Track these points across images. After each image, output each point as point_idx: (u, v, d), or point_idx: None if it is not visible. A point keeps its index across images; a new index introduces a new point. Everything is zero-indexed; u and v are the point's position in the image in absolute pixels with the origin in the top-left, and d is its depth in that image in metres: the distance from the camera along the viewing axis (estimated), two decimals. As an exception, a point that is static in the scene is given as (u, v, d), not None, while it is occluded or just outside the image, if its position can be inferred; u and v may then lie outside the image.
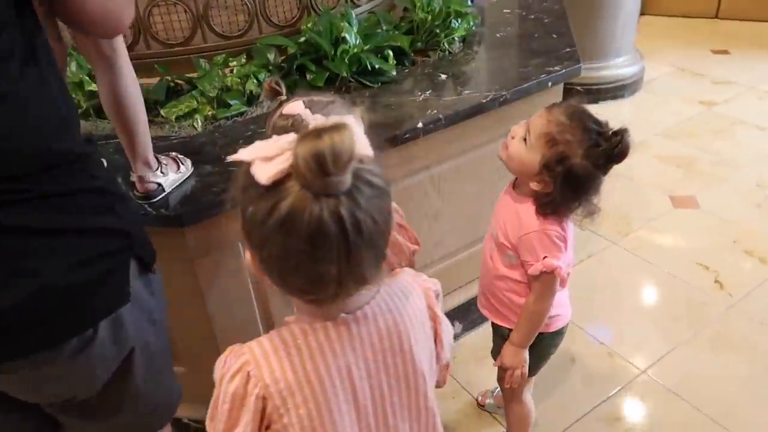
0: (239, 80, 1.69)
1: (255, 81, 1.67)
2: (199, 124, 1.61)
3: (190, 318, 1.47)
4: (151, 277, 1.03)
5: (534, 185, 1.21)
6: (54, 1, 0.87)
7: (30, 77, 0.84)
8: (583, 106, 1.21)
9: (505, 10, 2.37)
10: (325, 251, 0.61)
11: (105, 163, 1.10)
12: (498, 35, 2.13)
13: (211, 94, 1.64)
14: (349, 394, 0.75)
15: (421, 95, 1.69)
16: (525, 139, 1.21)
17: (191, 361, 1.55)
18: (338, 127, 0.58)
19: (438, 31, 1.96)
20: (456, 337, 2.06)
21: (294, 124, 1.01)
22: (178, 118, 1.63)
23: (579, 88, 3.55)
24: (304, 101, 1.05)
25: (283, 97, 1.04)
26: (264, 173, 0.59)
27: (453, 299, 1.96)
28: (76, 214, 0.88)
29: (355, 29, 1.83)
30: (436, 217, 1.79)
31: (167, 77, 1.74)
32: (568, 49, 1.93)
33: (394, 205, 1.19)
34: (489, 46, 2.05)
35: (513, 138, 1.24)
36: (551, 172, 1.17)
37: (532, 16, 2.28)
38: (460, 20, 1.98)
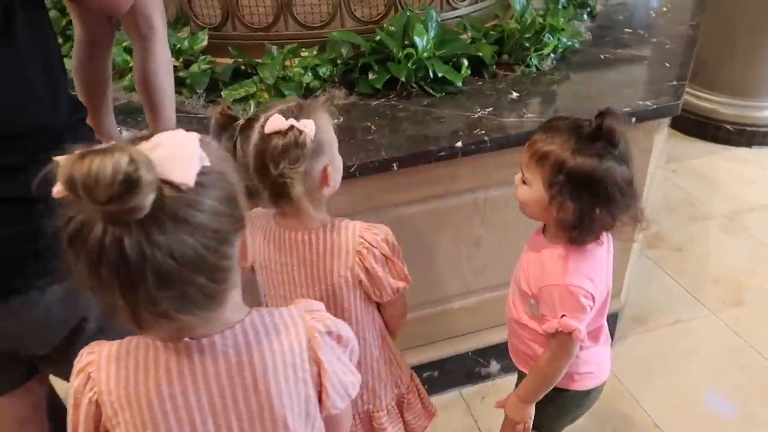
0: (301, 71, 1.68)
1: (310, 74, 1.65)
2: (251, 109, 1.63)
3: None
4: None
5: (554, 214, 1.07)
6: None
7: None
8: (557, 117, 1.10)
9: (626, 30, 2.11)
10: (106, 279, 0.55)
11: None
12: (603, 56, 1.90)
13: (268, 82, 1.65)
14: (185, 425, 0.69)
15: (478, 112, 1.56)
16: (525, 181, 1.07)
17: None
18: (107, 151, 0.51)
19: (528, 44, 1.79)
20: (491, 377, 1.90)
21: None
22: (234, 101, 1.66)
23: (730, 127, 3.10)
24: (283, 111, 1.01)
25: (240, 122, 1.00)
26: (56, 187, 0.55)
27: (491, 336, 1.81)
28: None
29: (432, 33, 1.73)
30: (477, 244, 1.65)
31: (239, 60, 1.78)
32: (674, 83, 1.66)
33: (382, 236, 1.13)
34: (585, 67, 1.83)
35: (516, 187, 1.11)
36: (557, 187, 1.03)
37: (654, 40, 2.01)
38: (554, 35, 1.79)
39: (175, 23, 1.91)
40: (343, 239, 1.10)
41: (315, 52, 1.77)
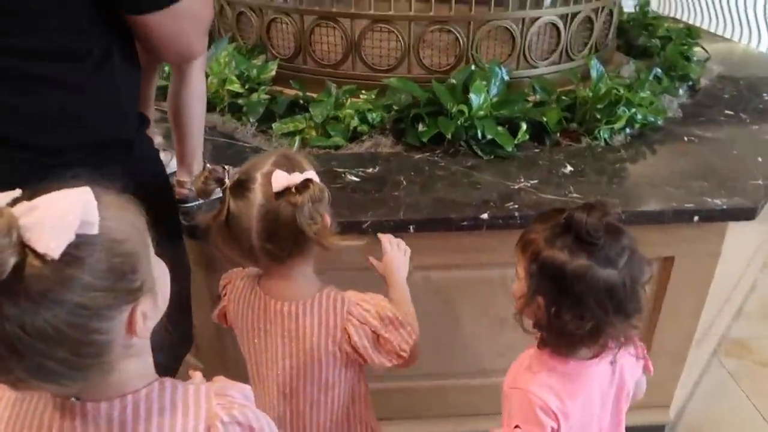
0: (352, 113, 1.66)
1: (357, 119, 1.62)
2: (296, 145, 1.63)
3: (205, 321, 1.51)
4: None
5: (532, 312, 0.96)
6: (130, 23, 0.98)
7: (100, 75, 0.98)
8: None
9: (726, 111, 1.89)
10: None
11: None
12: (687, 138, 1.70)
13: (317, 120, 1.64)
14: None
15: (521, 183, 1.44)
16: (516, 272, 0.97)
17: (209, 360, 1.61)
18: None
19: (599, 115, 1.65)
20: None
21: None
22: (282, 135, 1.67)
23: None
24: (278, 165, 0.98)
25: (227, 183, 0.97)
26: None
27: (490, 423, 1.66)
28: None
29: (494, 90, 1.65)
30: (501, 324, 1.52)
31: (299, 93, 1.79)
32: (759, 182, 1.44)
33: (373, 311, 1.05)
34: (661, 148, 1.65)
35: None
36: (532, 278, 0.92)
37: (756, 127, 1.78)
38: (629, 108, 1.63)
39: (252, 50, 1.97)
40: (331, 314, 1.04)
41: (373, 96, 1.75)
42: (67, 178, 0.59)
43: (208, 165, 1.39)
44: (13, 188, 0.58)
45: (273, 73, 1.87)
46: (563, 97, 1.73)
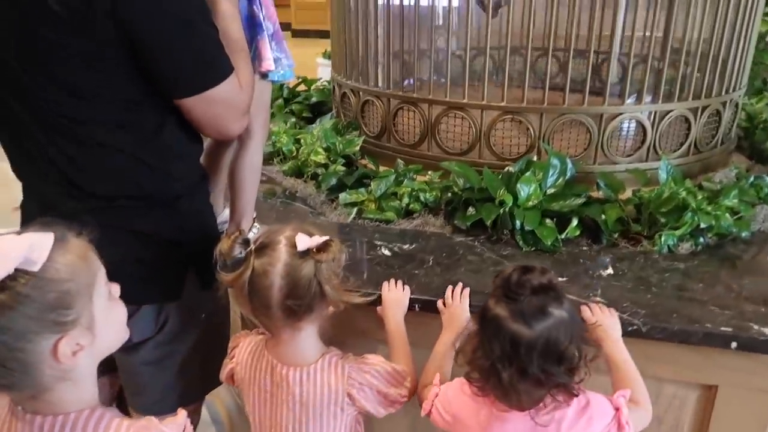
0: (408, 191, 1.74)
1: (408, 198, 1.69)
2: (352, 215, 1.75)
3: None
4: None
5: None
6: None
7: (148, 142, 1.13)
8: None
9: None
10: None
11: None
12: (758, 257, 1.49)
13: (375, 194, 1.75)
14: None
15: (546, 278, 1.39)
16: None
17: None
18: None
19: (664, 220, 1.53)
20: None
21: None
22: (345, 204, 1.80)
23: None
24: (300, 230, 1.09)
25: (252, 247, 1.07)
26: None
27: None
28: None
29: (550, 181, 1.62)
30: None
31: (372, 167, 1.92)
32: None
33: (373, 371, 1.12)
34: (731, 264, 1.47)
35: None
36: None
37: None
38: (697, 216, 1.49)
39: (347, 126, 2.16)
40: (333, 379, 1.12)
41: (437, 177, 1.81)
42: (74, 224, 0.78)
43: (255, 224, 1.56)
44: (77, 222, 0.79)
45: (357, 148, 2.03)
46: (634, 196, 1.63)
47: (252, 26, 1.27)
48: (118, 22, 0.99)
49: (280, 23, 1.38)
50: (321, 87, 2.71)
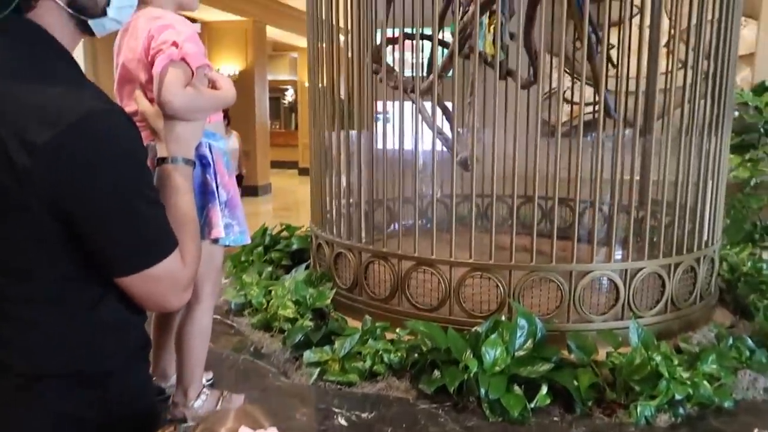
0: (372, 351, 1.66)
1: (372, 359, 1.62)
2: (313, 377, 1.66)
3: None
4: None
5: None
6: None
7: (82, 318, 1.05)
8: None
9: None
10: None
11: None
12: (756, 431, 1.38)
13: (339, 354, 1.67)
14: None
15: (511, 457, 1.28)
16: None
17: None
18: None
19: (638, 388, 1.44)
20: None
21: None
22: (309, 364, 1.72)
23: None
24: (240, 419, 1.02)
25: None
26: None
27: None
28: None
29: (517, 344, 1.55)
30: None
31: (337, 321, 1.86)
32: None
33: None
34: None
35: None
36: None
37: None
38: (672, 385, 1.40)
39: (321, 278, 2.13)
40: None
41: (404, 335, 1.75)
42: None
43: (205, 390, 1.48)
44: None
45: (328, 301, 1.99)
46: (609, 360, 1.55)
47: (204, 194, 1.28)
48: (51, 202, 0.97)
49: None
50: (303, 234, 2.72)
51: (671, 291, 1.81)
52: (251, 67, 9.39)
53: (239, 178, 6.43)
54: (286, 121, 14.29)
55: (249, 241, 1.43)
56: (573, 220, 1.79)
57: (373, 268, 1.96)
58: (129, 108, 1.27)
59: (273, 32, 10.15)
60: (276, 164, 10.23)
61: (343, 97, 2.13)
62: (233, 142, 6.27)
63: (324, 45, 2.08)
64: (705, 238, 1.95)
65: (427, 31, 1.92)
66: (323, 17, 2.06)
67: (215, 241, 1.34)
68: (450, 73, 1.90)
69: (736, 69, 2.16)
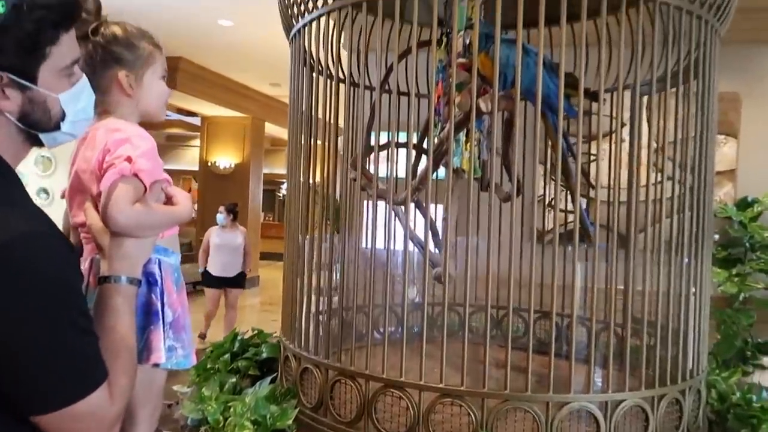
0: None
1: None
2: None
3: None
4: None
5: None
6: None
7: None
8: None
9: None
10: None
11: None
12: None
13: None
14: None
15: None
16: None
17: None
18: None
19: None
20: None
21: None
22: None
23: None
24: None
25: None
26: None
27: None
28: None
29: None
30: None
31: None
32: None
33: None
34: None
35: None
36: None
37: None
38: None
39: (285, 394, 1.99)
40: None
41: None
42: None
43: None
44: None
45: (290, 421, 1.85)
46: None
47: (147, 314, 1.20)
48: None
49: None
50: (275, 341, 2.60)
51: (655, 426, 1.68)
52: (247, 160, 9.56)
53: (242, 276, 6.30)
54: (279, 214, 14.44)
55: (194, 363, 1.33)
56: (551, 338, 1.69)
57: (339, 387, 1.83)
58: (78, 219, 1.21)
59: (272, 128, 10.42)
60: (266, 255, 10.19)
61: (322, 196, 2.09)
62: (239, 238, 6.21)
63: (303, 140, 2.05)
64: (690, 366, 1.84)
65: (408, 136, 1.91)
66: (303, 110, 2.05)
67: (156, 365, 1.24)
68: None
69: (713, 183, 2.15)
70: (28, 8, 0.87)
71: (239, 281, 6.34)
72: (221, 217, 6.19)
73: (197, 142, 10.33)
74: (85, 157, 1.22)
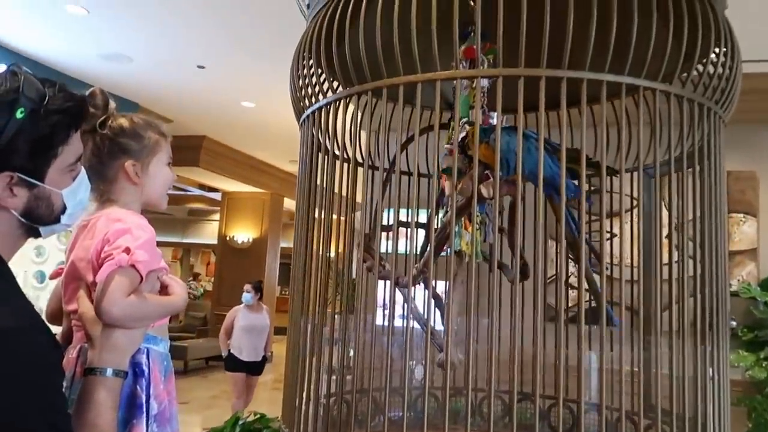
0: None
1: None
2: None
3: None
4: None
5: None
6: None
7: None
8: None
9: None
10: None
11: None
12: None
13: None
14: None
15: None
16: None
17: None
18: None
19: None
20: None
21: None
22: None
23: None
24: None
25: None
26: None
27: None
28: None
29: None
30: None
31: None
32: None
33: None
34: None
35: None
36: None
37: None
38: None
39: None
40: None
41: None
42: None
43: None
44: None
45: None
46: None
47: (131, 407, 1.16)
48: None
49: None
50: (276, 427, 2.52)
51: None
52: (265, 235, 9.67)
53: (265, 361, 5.83)
54: (296, 288, 14.30)
55: None
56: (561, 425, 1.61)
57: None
58: (70, 306, 1.21)
59: (291, 203, 10.60)
60: (280, 330, 10.07)
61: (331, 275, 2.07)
62: (266, 319, 5.80)
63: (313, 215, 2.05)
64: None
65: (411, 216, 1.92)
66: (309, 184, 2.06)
67: None
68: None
69: (728, 263, 2.09)
70: (45, 113, 0.91)
71: (263, 366, 5.88)
72: (249, 296, 5.75)
73: (217, 216, 10.51)
74: (83, 246, 1.23)
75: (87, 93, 1.22)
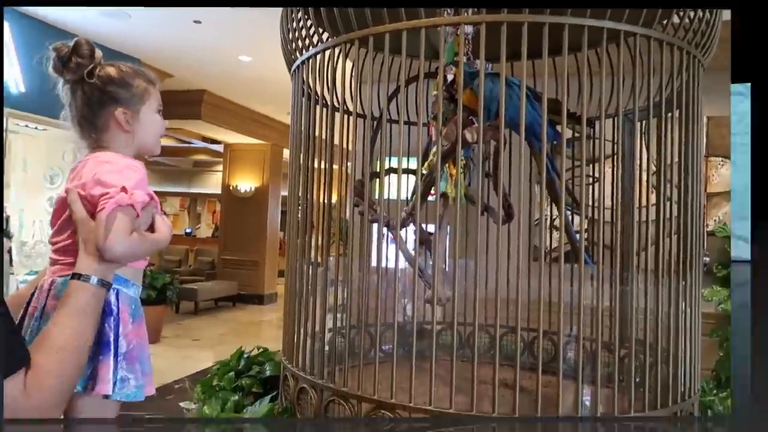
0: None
1: None
2: None
3: None
4: None
5: None
6: None
7: None
8: None
9: None
10: None
11: None
12: None
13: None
14: None
15: None
16: None
17: None
18: None
19: None
20: None
21: None
22: None
23: None
24: None
25: None
26: None
27: None
28: None
29: None
30: None
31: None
32: None
33: None
34: None
35: None
36: None
37: None
38: None
39: (284, 413, 1.96)
40: None
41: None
42: None
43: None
44: None
45: (286, 443, 1.80)
46: None
47: (98, 343, 1.13)
48: None
49: None
50: (279, 360, 2.56)
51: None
52: (266, 184, 9.62)
53: None
54: (298, 234, 14.40)
55: (150, 394, 1.24)
56: (540, 357, 1.64)
57: (333, 408, 1.79)
58: (54, 238, 1.20)
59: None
60: (284, 273, 10.17)
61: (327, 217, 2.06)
62: None
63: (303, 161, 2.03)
64: (682, 388, 1.77)
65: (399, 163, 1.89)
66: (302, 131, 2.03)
67: (106, 396, 1.18)
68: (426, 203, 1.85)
69: (702, 205, 2.08)
70: None
71: None
72: None
73: (221, 167, 10.43)
74: (72, 184, 1.20)
75: (72, 43, 1.18)
